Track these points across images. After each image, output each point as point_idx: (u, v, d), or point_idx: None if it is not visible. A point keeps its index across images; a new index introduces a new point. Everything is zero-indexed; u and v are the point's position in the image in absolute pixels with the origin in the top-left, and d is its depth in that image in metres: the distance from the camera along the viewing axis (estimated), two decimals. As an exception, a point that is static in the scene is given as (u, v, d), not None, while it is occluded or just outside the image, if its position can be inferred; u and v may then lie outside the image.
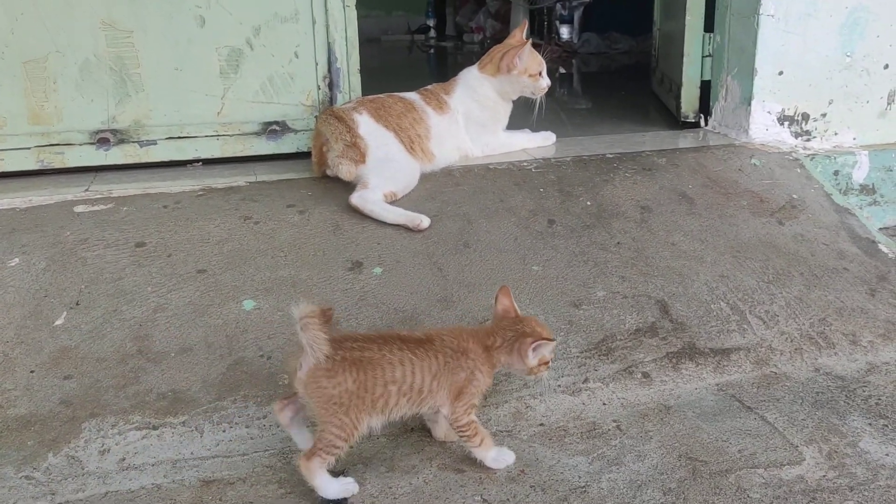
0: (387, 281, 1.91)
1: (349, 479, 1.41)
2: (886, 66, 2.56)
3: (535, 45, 2.41)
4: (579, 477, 1.45)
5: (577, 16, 5.53)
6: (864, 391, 1.70)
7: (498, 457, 1.47)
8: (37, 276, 1.85)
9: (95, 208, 2.08)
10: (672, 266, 2.01)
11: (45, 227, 1.99)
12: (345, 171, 2.14)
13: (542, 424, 1.61)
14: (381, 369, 1.38)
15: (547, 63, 2.44)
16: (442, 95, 2.38)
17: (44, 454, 1.49)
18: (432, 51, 6.08)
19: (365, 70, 2.48)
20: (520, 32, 2.42)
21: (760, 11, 2.43)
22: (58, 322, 1.75)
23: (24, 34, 2.21)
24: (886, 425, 1.58)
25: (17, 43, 2.21)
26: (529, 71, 2.36)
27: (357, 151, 2.13)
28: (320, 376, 1.35)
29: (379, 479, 1.44)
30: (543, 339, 1.44)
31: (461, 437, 1.46)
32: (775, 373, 1.77)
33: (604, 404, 1.68)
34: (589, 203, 2.20)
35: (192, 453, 1.52)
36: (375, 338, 1.43)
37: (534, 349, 1.43)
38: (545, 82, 2.40)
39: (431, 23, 6.52)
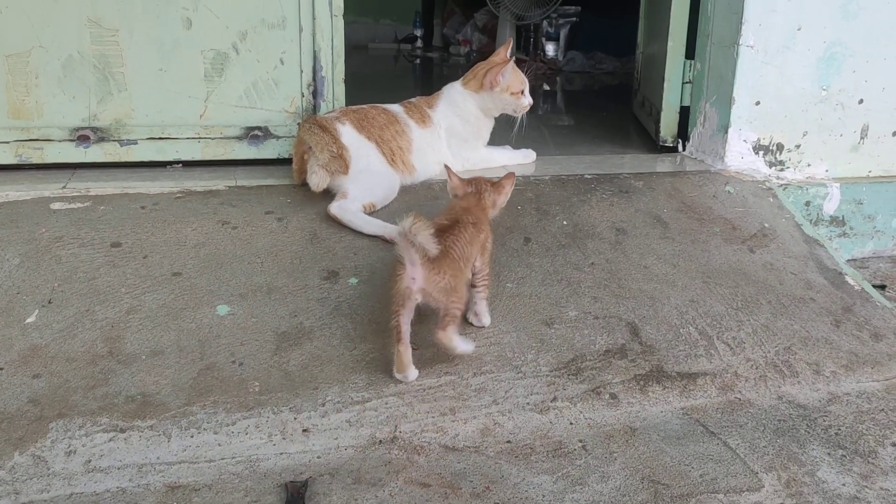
0: (362, 291, 1.92)
1: (468, 339, 1.75)
2: (861, 101, 2.62)
3: (519, 62, 2.44)
4: (543, 496, 1.46)
5: (563, 34, 5.59)
6: (824, 420, 1.73)
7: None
8: (10, 272, 1.84)
9: (72, 206, 2.07)
10: (644, 289, 2.04)
11: (20, 222, 1.98)
12: (315, 181, 2.13)
13: (509, 441, 1.63)
14: (453, 254, 1.70)
15: (531, 79, 2.47)
16: (425, 109, 2.39)
17: (9, 453, 1.48)
18: (418, 61, 6.11)
19: (350, 77, 2.50)
20: (504, 50, 2.45)
21: (740, 42, 2.48)
22: (29, 320, 1.74)
23: (8, 28, 2.21)
24: (844, 455, 1.61)
25: None
26: (512, 89, 2.39)
27: (342, 163, 2.13)
28: (433, 277, 1.66)
29: (345, 491, 1.45)
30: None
31: (481, 286, 1.83)
32: (739, 399, 1.81)
33: (571, 424, 1.70)
34: (565, 223, 2.23)
35: (158, 458, 1.52)
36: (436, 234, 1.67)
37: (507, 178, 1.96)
38: (527, 101, 2.42)
39: (419, 33, 6.55)
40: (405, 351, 1.69)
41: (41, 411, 1.56)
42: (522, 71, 2.45)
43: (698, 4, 2.70)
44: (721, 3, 2.58)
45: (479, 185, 1.91)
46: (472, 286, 1.82)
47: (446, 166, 1.94)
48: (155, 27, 2.29)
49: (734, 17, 2.50)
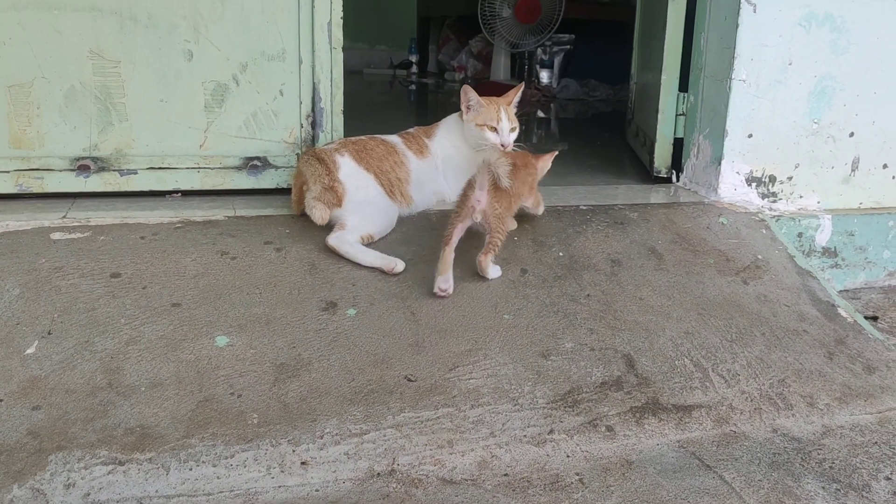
0: (360, 323, 1.93)
1: (498, 268, 2.11)
2: (852, 135, 2.66)
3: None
4: (541, 530, 1.47)
5: (557, 61, 5.66)
6: (818, 454, 1.75)
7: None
8: (10, 303, 1.85)
9: (72, 236, 2.08)
10: (639, 321, 2.06)
11: (20, 252, 2.00)
12: (318, 215, 2.15)
13: (506, 475, 1.64)
14: (512, 191, 2.05)
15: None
16: (423, 139, 2.41)
17: (8, 486, 1.48)
18: (413, 86, 6.16)
19: (345, 102, 2.52)
20: (514, 93, 2.44)
21: (733, 76, 2.52)
22: (29, 351, 1.75)
23: (10, 58, 2.23)
24: (839, 489, 1.63)
25: (2, 67, 2.23)
26: (477, 121, 2.33)
27: (334, 195, 2.16)
28: (494, 203, 2.00)
29: (343, 525, 1.46)
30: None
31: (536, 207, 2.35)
32: (735, 432, 1.82)
33: (567, 456, 1.71)
34: (561, 254, 2.25)
35: (157, 491, 1.52)
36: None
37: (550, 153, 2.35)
38: (497, 138, 2.34)
39: (414, 59, 6.62)
40: (449, 254, 1.99)
41: (40, 444, 1.56)
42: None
43: (691, 38, 2.75)
44: (714, 37, 2.63)
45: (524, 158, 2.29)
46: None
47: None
48: (157, 59, 2.31)
49: (727, 52, 2.54)
